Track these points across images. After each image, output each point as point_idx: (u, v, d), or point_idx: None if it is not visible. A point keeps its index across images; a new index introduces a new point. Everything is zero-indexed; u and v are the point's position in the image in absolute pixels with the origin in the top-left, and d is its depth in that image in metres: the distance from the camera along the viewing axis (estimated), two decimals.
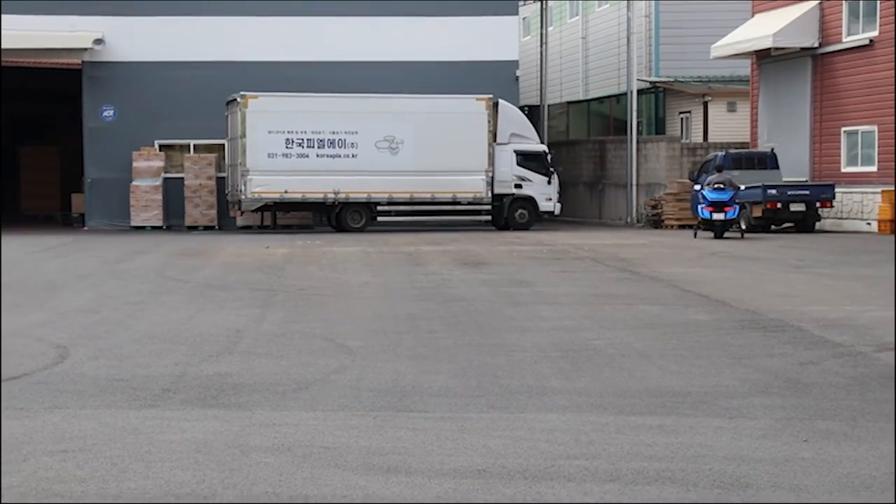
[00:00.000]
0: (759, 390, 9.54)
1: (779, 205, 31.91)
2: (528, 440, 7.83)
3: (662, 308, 15.03)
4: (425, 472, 7.04)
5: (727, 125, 40.40)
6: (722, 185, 29.12)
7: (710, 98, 40.72)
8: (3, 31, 34.97)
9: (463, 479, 6.85)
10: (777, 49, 35.71)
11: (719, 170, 30.35)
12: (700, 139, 40.44)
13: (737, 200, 29.47)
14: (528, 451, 7.54)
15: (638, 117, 39.91)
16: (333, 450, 7.57)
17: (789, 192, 32.14)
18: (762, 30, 35.68)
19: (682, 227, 33.69)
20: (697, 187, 31.10)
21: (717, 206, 28.99)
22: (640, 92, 40.10)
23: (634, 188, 38.71)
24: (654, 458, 7.35)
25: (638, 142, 38.87)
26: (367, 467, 7.14)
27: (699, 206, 29.66)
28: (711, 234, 29.45)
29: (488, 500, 6.42)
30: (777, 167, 33.70)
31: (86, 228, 35.99)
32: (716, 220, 29.09)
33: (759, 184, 31.96)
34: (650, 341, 12.20)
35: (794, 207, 32.07)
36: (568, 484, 6.76)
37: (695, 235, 30.21)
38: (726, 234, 29.44)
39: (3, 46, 35.67)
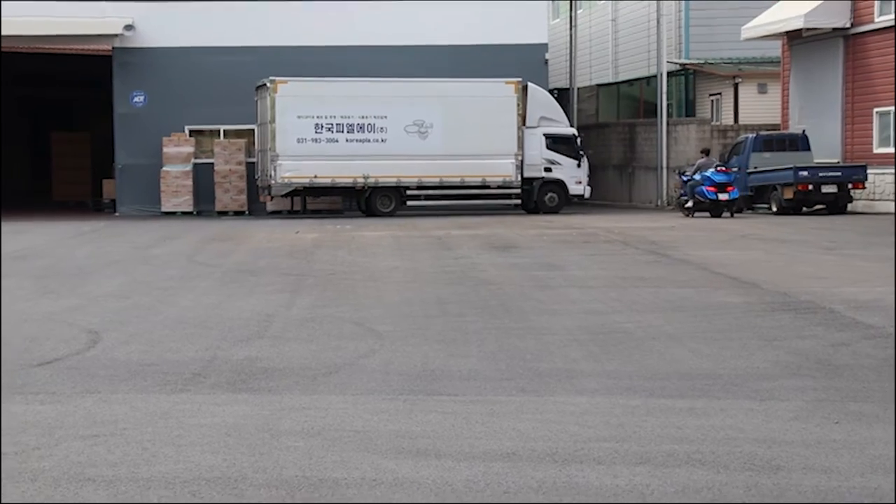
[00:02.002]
0: (791, 372, 9.50)
1: (810, 186, 31.73)
2: (558, 423, 7.82)
3: (692, 290, 14.97)
4: (455, 455, 7.04)
5: (758, 107, 40.17)
6: (724, 167, 31.30)
7: (740, 80, 40.50)
8: (34, 18, 35.16)
9: (492, 463, 6.85)
10: (808, 30, 35.46)
11: (705, 153, 32.38)
12: (730, 121, 40.23)
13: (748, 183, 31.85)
14: (558, 433, 7.53)
15: (668, 99, 39.73)
16: (363, 433, 7.58)
17: (821, 174, 31.94)
18: (793, 10, 35.44)
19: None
20: (689, 174, 31.98)
21: (721, 186, 30.53)
22: (670, 74, 39.91)
23: (664, 171, 38.56)
24: (685, 440, 7.33)
25: (668, 124, 38.70)
26: (396, 451, 7.15)
27: (702, 188, 30.74)
28: (708, 214, 30.88)
29: (518, 483, 6.42)
30: (808, 149, 33.51)
31: (117, 214, 36.16)
32: (721, 200, 30.54)
33: (791, 165, 31.80)
34: (680, 324, 12.16)
35: (826, 189, 31.86)
36: (598, 467, 6.74)
37: (690, 215, 31.34)
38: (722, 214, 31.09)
39: (34, 33, 35.85)
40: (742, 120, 39.81)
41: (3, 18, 35.09)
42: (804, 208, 32.35)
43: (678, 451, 7.08)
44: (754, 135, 33.92)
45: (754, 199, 33.28)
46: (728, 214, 30.85)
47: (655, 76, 39.60)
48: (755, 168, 32.98)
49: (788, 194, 31.82)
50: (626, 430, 7.60)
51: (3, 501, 5.05)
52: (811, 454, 6.94)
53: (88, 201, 41.11)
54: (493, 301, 14.17)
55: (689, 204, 31.53)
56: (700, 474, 6.58)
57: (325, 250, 22.03)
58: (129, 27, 36.45)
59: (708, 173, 30.97)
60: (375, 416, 8.07)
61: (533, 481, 6.47)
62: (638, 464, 6.80)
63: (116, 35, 36.36)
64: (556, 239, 24.08)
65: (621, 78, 47.53)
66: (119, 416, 8.13)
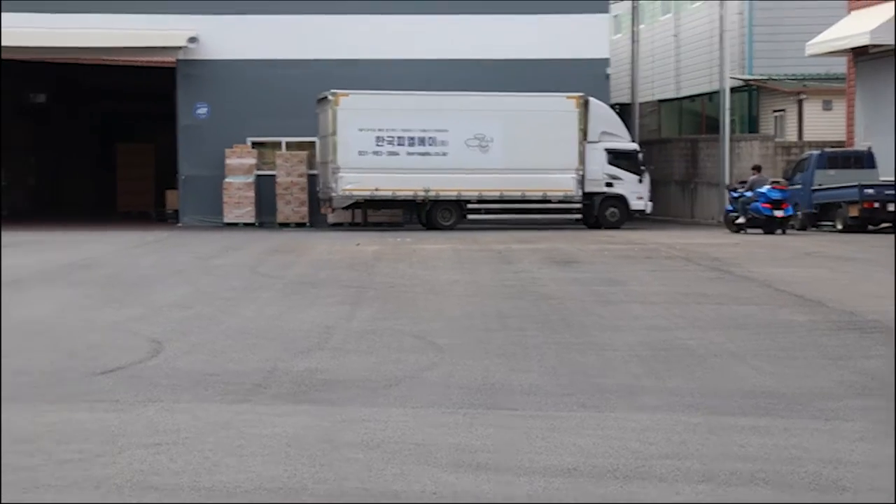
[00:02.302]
0: (856, 392, 9.38)
1: (876, 204, 31.33)
2: (619, 439, 7.77)
3: (756, 308, 14.84)
4: (515, 470, 7.01)
5: (822, 123, 39.75)
6: (779, 182, 31.32)
7: (805, 96, 40.11)
8: (100, 31, 35.62)
9: (553, 478, 6.81)
10: (874, 46, 35.06)
11: (757, 170, 32.45)
12: (794, 138, 39.86)
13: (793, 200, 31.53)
14: (619, 450, 7.47)
15: (731, 115, 39.43)
16: (423, 446, 7.57)
17: (886, 192, 31.53)
18: (859, 27, 35.05)
19: None
20: (738, 192, 32.08)
21: (776, 203, 30.58)
22: (733, 90, 39.61)
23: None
24: (748, 459, 7.26)
25: (731, 140, 38.41)
26: (456, 464, 7.13)
27: (757, 204, 30.77)
28: (760, 231, 30.82)
29: (578, 500, 6.38)
30: (874, 166, 33.09)
31: (180, 225, 36.45)
32: (776, 217, 30.63)
33: (856, 183, 31.43)
34: (743, 341, 12.05)
35: (892, 207, 31.46)
36: (660, 484, 6.69)
37: (739, 231, 31.42)
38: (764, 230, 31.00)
39: (100, 45, 36.27)
40: (806, 137, 39.42)
41: (70, 31, 35.61)
42: (870, 226, 31.95)
43: (741, 469, 7.00)
44: (819, 152, 33.56)
45: (819, 216, 32.94)
46: (780, 231, 30.79)
47: (718, 92, 39.33)
48: (819, 185, 32.65)
49: (854, 212, 31.44)
50: (689, 448, 7.53)
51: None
52: (878, 475, 6.84)
53: (152, 212, 41.48)
54: (553, 316, 14.11)
55: (741, 220, 31.51)
56: (763, 494, 6.51)
57: (385, 263, 22.06)
58: (192, 39, 36.76)
59: (763, 190, 30.98)
60: (435, 430, 8.06)
61: (594, 497, 6.42)
62: (700, 482, 6.74)
63: (180, 47, 36.69)
64: (618, 254, 23.96)
65: (683, 93, 47.27)
66: (181, 425, 8.18)
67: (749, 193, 31.27)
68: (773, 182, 31.37)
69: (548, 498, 6.42)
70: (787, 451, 7.43)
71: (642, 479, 6.78)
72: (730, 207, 32.55)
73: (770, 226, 30.84)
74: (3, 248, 25.73)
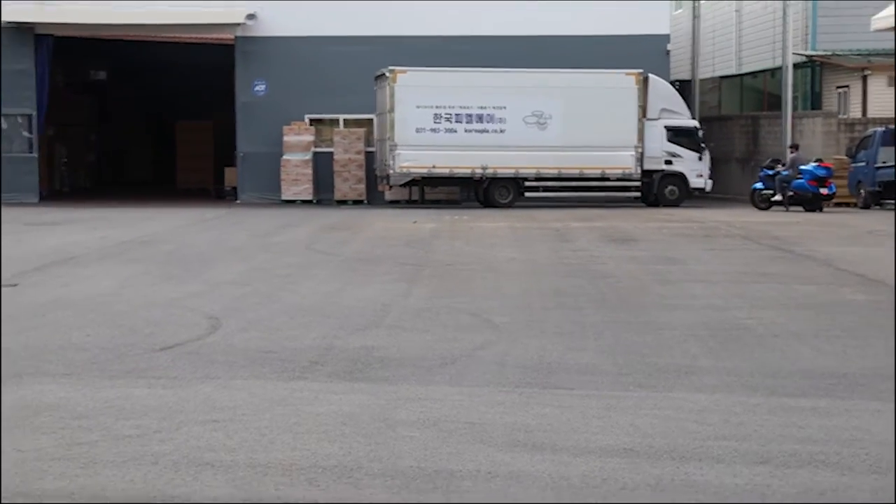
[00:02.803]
0: None
1: None
2: (676, 420, 7.70)
3: (816, 287, 14.67)
4: (570, 449, 6.97)
5: (888, 100, 39.17)
6: (821, 161, 31.78)
7: (869, 72, 39.55)
8: (159, 8, 35.84)
9: (609, 458, 6.76)
10: None
11: (795, 148, 32.92)
12: (858, 115, 39.33)
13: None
14: (676, 430, 7.41)
15: (793, 92, 38.98)
16: (478, 425, 7.55)
17: None
18: None
19: (837, 204, 32.90)
20: (774, 170, 32.54)
21: (821, 181, 31.01)
22: (795, 66, 39.14)
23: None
24: (807, 440, 7.17)
25: (793, 117, 37.99)
26: (511, 444, 7.10)
27: (802, 182, 31.24)
28: (801, 209, 31.28)
29: (635, 480, 6.33)
30: None
31: (238, 202, 36.62)
32: (822, 195, 31.03)
33: None
34: (803, 321, 11.92)
35: None
36: (717, 465, 6.62)
37: (768, 208, 31.96)
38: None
39: (160, 22, 36.49)
40: (871, 113, 38.87)
41: (129, 8, 35.86)
42: None
43: (800, 451, 6.92)
44: (883, 129, 33.10)
45: (882, 194, 32.53)
46: (819, 210, 31.19)
47: (780, 68, 38.88)
48: (883, 163, 32.23)
49: None
50: (747, 429, 7.45)
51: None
52: None
53: (210, 189, 41.72)
54: (611, 294, 14.03)
55: (777, 197, 31.90)
56: (823, 475, 6.43)
57: (442, 240, 22.05)
58: (251, 16, 36.84)
59: (809, 167, 31.28)
60: (491, 409, 8.03)
61: (650, 478, 6.37)
62: (758, 463, 6.67)
63: (239, 24, 36.78)
64: (677, 233, 23.79)
65: (745, 70, 46.77)
66: (238, 402, 8.21)
67: (785, 172, 31.71)
68: (818, 160, 31.72)
69: (604, 478, 6.37)
70: (847, 433, 7.33)
71: (699, 460, 6.72)
72: (759, 185, 32.84)
73: (815, 203, 31.18)
74: (64, 224, 26.01)
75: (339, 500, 6.01)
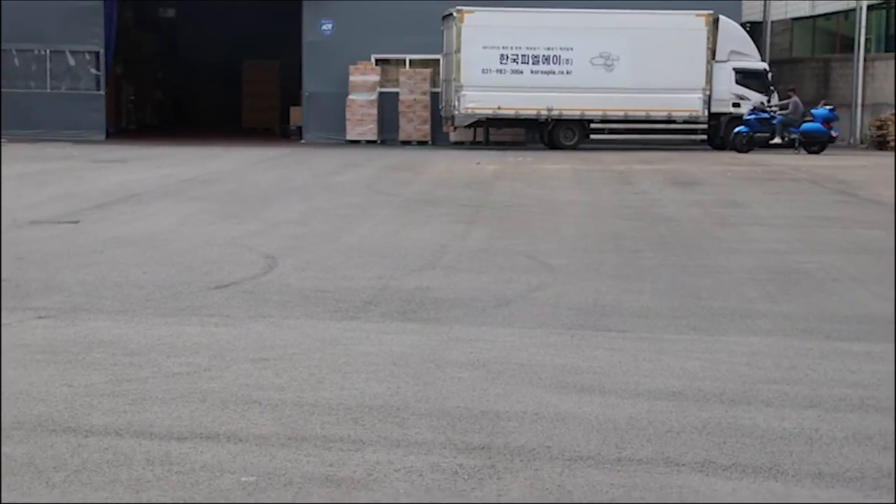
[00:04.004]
0: None
1: None
2: (727, 363, 7.64)
3: (880, 232, 14.45)
4: (619, 392, 6.94)
5: None
6: (830, 105, 32.79)
7: None
8: None
9: (657, 401, 6.72)
10: None
11: (793, 91, 33.26)
12: None
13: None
14: (727, 374, 7.35)
15: (867, 34, 38.24)
16: (528, 367, 7.53)
17: None
18: None
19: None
20: (769, 113, 32.80)
21: (830, 122, 31.99)
22: (870, 7, 38.37)
23: (859, 108, 37.24)
24: (859, 385, 7.08)
25: (865, 60, 37.30)
26: (560, 385, 7.08)
27: (816, 124, 32.07)
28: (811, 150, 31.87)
29: (681, 423, 6.29)
30: None
31: (303, 141, 36.70)
32: (833, 136, 31.97)
33: None
34: (864, 266, 11.76)
35: None
36: (765, 409, 6.56)
37: (748, 151, 32.11)
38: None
39: None
40: None
41: None
42: None
43: (851, 395, 6.84)
44: None
45: None
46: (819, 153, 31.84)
47: (854, 9, 38.14)
48: None
49: None
50: (798, 373, 7.38)
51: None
52: None
53: (276, 128, 41.83)
54: (670, 237, 13.92)
55: (777, 140, 32.26)
56: (872, 420, 6.35)
57: (504, 182, 21.97)
58: None
59: (822, 111, 32.22)
60: (542, 350, 8.01)
61: (697, 421, 6.33)
62: (807, 407, 6.60)
63: None
64: (741, 176, 23.53)
65: (818, 11, 45.93)
66: (289, 341, 8.25)
67: (780, 116, 32.33)
68: (825, 103, 32.88)
69: (650, 420, 6.34)
70: None
71: (748, 404, 6.66)
72: (744, 129, 32.67)
73: (823, 145, 32.01)
74: (129, 161, 26.22)
75: (384, 438, 6.02)
